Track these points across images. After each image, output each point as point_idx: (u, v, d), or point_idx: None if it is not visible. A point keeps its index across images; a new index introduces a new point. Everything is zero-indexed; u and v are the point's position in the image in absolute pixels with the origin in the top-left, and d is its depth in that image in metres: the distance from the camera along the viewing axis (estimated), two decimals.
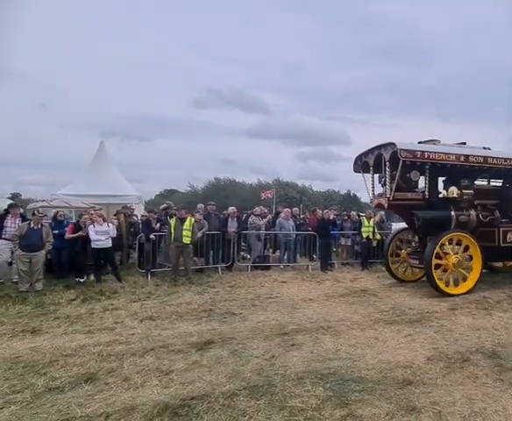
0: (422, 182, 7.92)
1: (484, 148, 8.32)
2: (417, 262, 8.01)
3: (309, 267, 10.67)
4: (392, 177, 7.42)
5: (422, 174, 7.70)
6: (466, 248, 7.54)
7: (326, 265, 10.57)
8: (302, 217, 14.22)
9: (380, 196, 8.07)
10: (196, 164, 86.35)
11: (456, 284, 7.42)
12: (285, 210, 11.85)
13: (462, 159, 7.50)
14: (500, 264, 9.63)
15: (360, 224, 11.23)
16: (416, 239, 8.64)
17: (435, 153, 7.35)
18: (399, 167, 7.21)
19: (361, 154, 8.55)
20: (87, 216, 8.74)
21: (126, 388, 3.49)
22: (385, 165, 7.56)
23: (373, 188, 8.43)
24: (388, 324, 5.43)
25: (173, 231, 8.71)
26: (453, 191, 7.89)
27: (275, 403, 3.20)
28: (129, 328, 5.30)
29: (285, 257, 11.12)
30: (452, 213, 7.77)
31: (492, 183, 8.81)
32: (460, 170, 7.77)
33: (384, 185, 7.84)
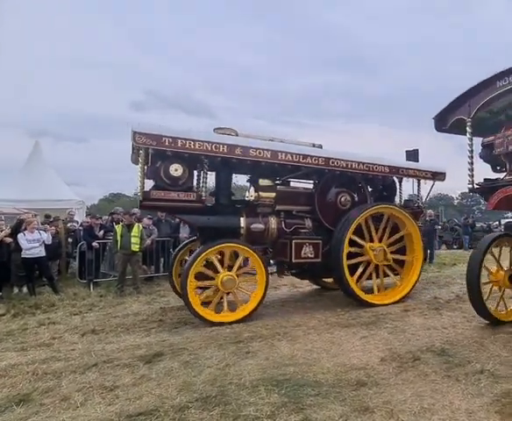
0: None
1: (314, 146, 7.13)
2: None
3: None
4: (152, 170, 5.93)
5: (192, 167, 6.19)
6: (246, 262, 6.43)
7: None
8: None
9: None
10: None
11: (233, 308, 6.08)
12: None
13: (238, 152, 6.00)
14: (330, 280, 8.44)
15: None
16: None
17: (195, 141, 5.75)
18: (148, 158, 5.70)
19: None
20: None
21: (65, 407, 3.35)
22: (139, 155, 5.88)
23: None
24: (344, 327, 5.66)
25: (119, 238, 8.47)
26: (252, 194, 6.80)
27: (229, 412, 3.22)
28: (68, 343, 5.08)
29: None
30: (242, 220, 6.48)
31: (306, 186, 7.53)
32: (258, 168, 6.44)
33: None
